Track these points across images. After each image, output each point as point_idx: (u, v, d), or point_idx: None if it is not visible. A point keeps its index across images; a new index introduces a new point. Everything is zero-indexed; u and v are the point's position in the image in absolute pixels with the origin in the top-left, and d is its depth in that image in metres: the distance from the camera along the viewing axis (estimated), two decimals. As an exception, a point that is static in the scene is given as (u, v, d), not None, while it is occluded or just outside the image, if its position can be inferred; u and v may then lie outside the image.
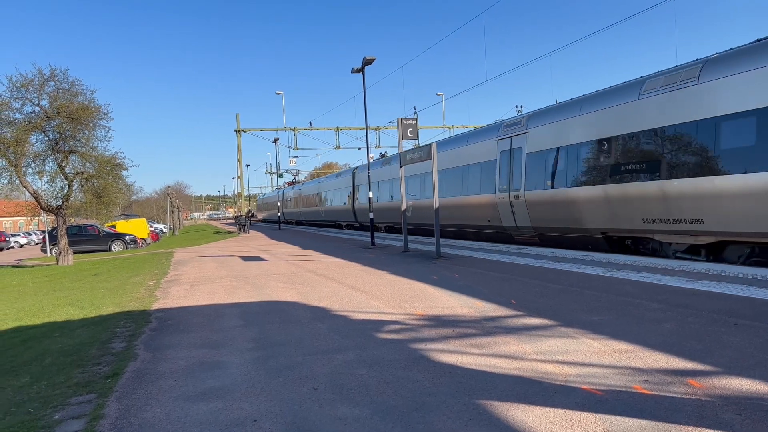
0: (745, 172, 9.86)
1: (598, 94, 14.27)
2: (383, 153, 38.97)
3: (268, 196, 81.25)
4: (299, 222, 56.91)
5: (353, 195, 35.53)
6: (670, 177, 11.36)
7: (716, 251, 11.26)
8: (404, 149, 16.74)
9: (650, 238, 12.52)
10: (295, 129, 51.00)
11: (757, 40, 10.58)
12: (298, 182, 62.71)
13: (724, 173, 10.23)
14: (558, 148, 14.88)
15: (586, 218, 13.89)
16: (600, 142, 13.36)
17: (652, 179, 11.76)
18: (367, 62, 19.14)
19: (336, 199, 39.73)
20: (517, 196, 16.41)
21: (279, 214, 51.66)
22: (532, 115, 16.62)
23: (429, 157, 14.59)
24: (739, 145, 10.03)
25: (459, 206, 19.72)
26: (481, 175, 18.69)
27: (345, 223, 39.01)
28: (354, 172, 36.23)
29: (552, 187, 14.92)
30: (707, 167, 10.62)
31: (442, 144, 22.34)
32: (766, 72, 9.60)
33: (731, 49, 10.95)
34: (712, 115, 10.51)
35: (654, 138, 11.86)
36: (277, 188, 56.67)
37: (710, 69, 10.85)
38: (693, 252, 11.72)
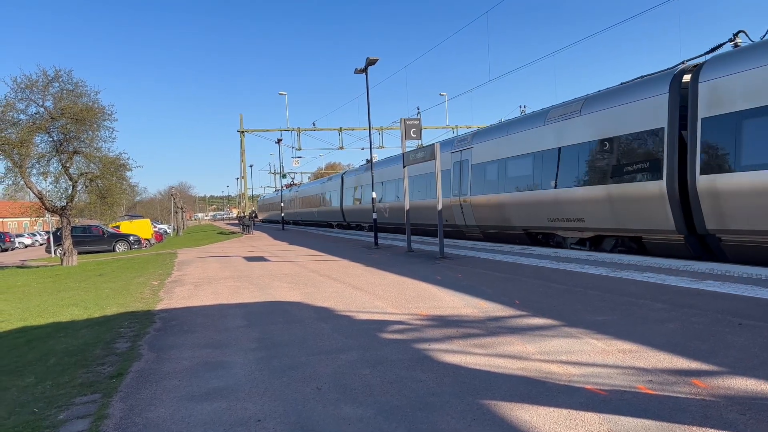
0: (605, 184, 13.19)
1: (524, 117, 17.69)
2: (368, 159, 40.87)
3: (268, 197, 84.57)
4: (296, 222, 59.39)
5: (341, 198, 38.94)
6: (561, 186, 14.73)
7: (597, 243, 14.47)
8: (407, 149, 16.75)
9: (554, 233, 15.82)
10: (298, 129, 51.05)
11: (621, 84, 13.69)
12: (295, 184, 63.40)
13: (592, 184, 13.59)
14: (493, 161, 18.18)
15: (512, 218, 17.15)
16: (519, 157, 16.69)
17: (551, 188, 15.03)
18: (371, 63, 19.14)
19: (327, 201, 43.47)
20: (465, 200, 19.78)
21: (282, 214, 51.84)
22: (476, 133, 20.12)
23: (432, 157, 14.62)
24: (601, 164, 13.43)
25: (425, 207, 23.12)
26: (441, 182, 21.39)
27: (335, 223, 42.61)
28: (342, 177, 39.78)
29: (489, 193, 18.23)
30: (583, 179, 13.92)
31: (396, 158, 26.51)
32: (612, 111, 13.20)
33: (607, 88, 14.16)
34: (588, 140, 13.89)
35: (552, 156, 15.22)
36: (280, 189, 57.29)
37: (588, 104, 14.15)
38: (582, 243, 14.94)
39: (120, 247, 31.38)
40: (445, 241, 17.57)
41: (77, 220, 27.70)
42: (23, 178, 20.20)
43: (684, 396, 3.86)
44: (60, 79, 20.12)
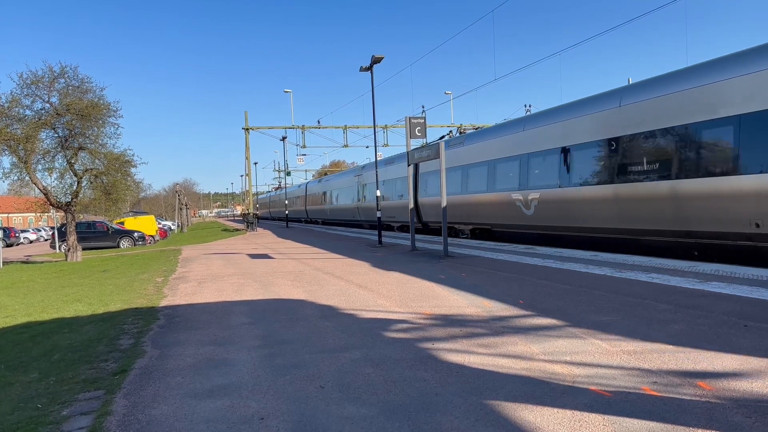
0: (399, 200, 26.63)
1: (389, 158, 30.91)
2: (325, 172, 59.94)
3: (261, 198, 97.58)
4: (273, 218, 71.42)
5: (305, 201, 54.34)
6: (392, 200, 27.89)
7: (402, 228, 27.75)
8: (412, 148, 16.74)
9: (390, 223, 28.56)
10: (303, 127, 50.84)
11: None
12: (281, 187, 72.70)
13: (395, 200, 27.68)
14: (371, 183, 30.17)
15: (374, 216, 24.60)
16: (383, 181, 27.75)
17: (397, 199, 27.47)
18: (376, 60, 19.08)
19: (298, 203, 58.39)
20: (360, 205, 34.54)
21: (286, 212, 52.00)
22: (365, 165, 35.04)
23: (437, 156, 14.60)
24: (399, 189, 26.97)
25: (342, 209, 39.88)
26: (350, 193, 37.75)
27: (303, 219, 57.98)
28: (306, 186, 55.97)
29: (369, 202, 31.37)
30: (396, 196, 27.68)
31: (335, 176, 46.62)
32: (400, 165, 26.30)
33: (404, 152, 24.28)
34: (393, 177, 27.93)
35: (389, 183, 28.26)
36: (277, 188, 63.26)
37: (398, 159, 28.10)
38: (399, 230, 28.20)
39: (124, 244, 31.48)
40: (449, 240, 17.55)
41: (82, 216, 27.79)
42: (28, 173, 20.29)
43: (689, 398, 3.84)
44: (66, 75, 20.25)
